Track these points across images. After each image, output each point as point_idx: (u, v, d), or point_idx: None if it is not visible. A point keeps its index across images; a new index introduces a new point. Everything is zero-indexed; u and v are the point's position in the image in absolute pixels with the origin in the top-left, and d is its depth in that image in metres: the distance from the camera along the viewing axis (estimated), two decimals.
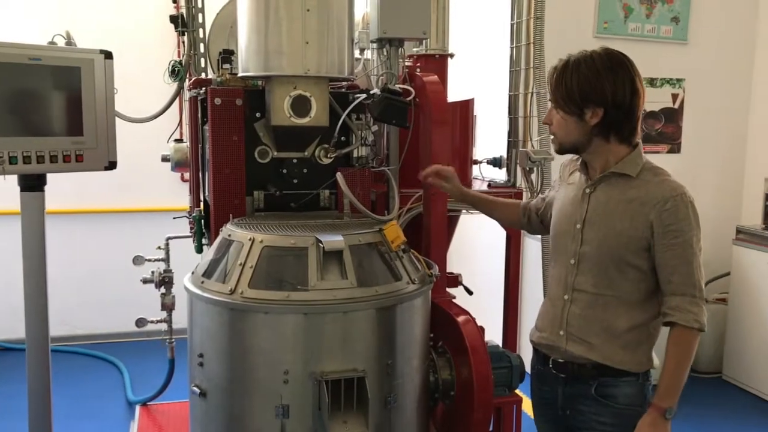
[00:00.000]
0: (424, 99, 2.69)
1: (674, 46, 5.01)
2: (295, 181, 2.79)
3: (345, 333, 2.15)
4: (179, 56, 5.28)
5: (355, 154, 2.84)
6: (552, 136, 2.18)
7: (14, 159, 2.78)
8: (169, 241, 3.83)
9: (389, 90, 2.50)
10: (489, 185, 3.31)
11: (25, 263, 2.98)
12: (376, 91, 2.55)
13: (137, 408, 4.08)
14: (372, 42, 2.86)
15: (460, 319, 2.58)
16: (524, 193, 3.16)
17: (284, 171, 2.77)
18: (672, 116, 5.11)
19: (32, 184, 2.95)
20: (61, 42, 3.05)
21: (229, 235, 2.31)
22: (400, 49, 2.81)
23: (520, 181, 3.22)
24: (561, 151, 2.17)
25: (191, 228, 3.18)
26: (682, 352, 1.99)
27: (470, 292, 3.28)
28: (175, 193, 5.50)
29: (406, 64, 2.93)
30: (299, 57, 2.49)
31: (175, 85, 3.44)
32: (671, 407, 1.99)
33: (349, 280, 2.15)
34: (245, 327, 2.15)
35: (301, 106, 2.56)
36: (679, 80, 5.07)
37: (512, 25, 3.23)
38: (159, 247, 3.81)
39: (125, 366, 4.99)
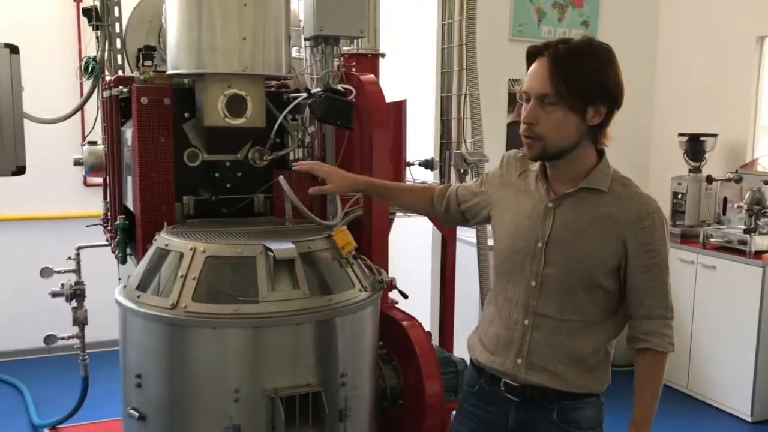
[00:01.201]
0: (363, 99, 2.61)
1: None
2: (229, 185, 2.64)
3: (297, 346, 2.04)
4: (81, 54, 5.03)
5: (291, 157, 2.73)
6: (528, 139, 1.84)
7: None
8: (80, 250, 3.56)
9: (332, 89, 2.41)
10: None
11: None
12: (318, 90, 2.45)
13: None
14: (306, 39, 2.76)
15: (406, 323, 2.52)
16: None
17: (216, 175, 2.62)
18: None
19: None
20: None
21: (166, 245, 2.15)
22: (335, 48, 2.73)
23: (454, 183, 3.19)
24: (543, 156, 1.87)
25: (111, 236, 2.97)
26: (658, 379, 1.87)
27: (405, 296, 3.22)
28: (77, 200, 5.17)
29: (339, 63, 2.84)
30: (236, 54, 2.36)
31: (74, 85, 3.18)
32: None
33: (302, 290, 2.04)
34: (190, 343, 2.00)
35: (236, 105, 2.43)
36: None
37: (443, 25, 3.21)
38: (69, 258, 3.53)
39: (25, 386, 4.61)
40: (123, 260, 2.69)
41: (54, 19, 5.05)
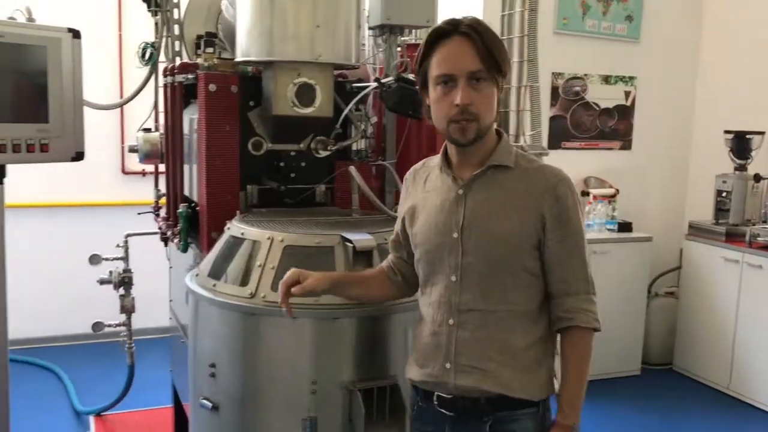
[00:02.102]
0: None
1: (627, 44, 5.10)
2: (293, 175, 2.62)
3: (376, 338, 2.02)
4: (121, 40, 5.02)
5: (354, 147, 2.70)
6: (463, 122, 1.69)
7: None
8: (128, 238, 3.56)
9: (404, 79, 2.37)
10: None
11: None
12: (389, 79, 2.41)
13: (91, 419, 3.78)
14: (370, 29, 2.73)
15: None
16: None
17: (282, 164, 2.60)
18: (624, 113, 5.20)
19: None
20: (21, 18, 2.75)
21: (242, 234, 2.12)
22: (399, 38, 2.70)
23: None
24: (477, 138, 1.72)
25: (167, 224, 2.95)
26: (584, 358, 1.74)
27: None
28: (116, 187, 5.16)
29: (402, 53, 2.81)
30: (308, 42, 2.34)
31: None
32: (577, 423, 1.74)
33: None
34: (268, 333, 1.98)
35: (305, 94, 2.41)
36: (631, 78, 5.17)
37: (503, 16, 3.16)
38: (118, 245, 3.53)
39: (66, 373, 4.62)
40: (185, 249, 2.67)
41: (96, 3, 5.02)
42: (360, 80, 2.71)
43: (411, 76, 2.45)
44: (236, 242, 2.13)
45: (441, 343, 1.77)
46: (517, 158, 1.79)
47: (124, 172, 5.20)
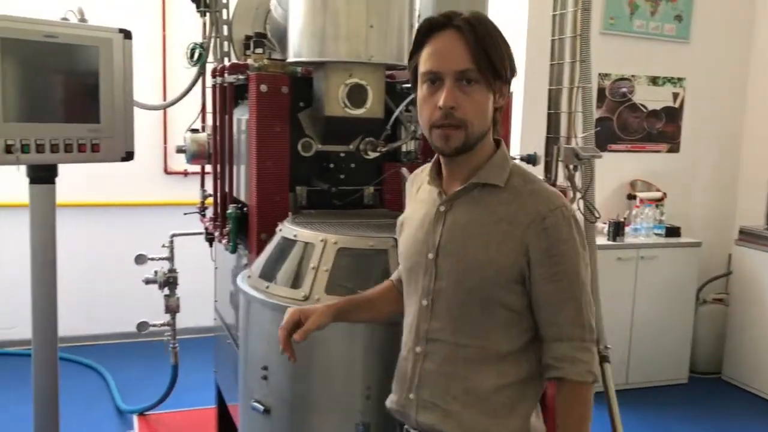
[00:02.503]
0: None
1: (676, 45, 4.98)
2: (342, 176, 2.60)
3: None
4: (165, 41, 5.04)
5: (403, 149, 2.67)
6: (447, 128, 1.51)
7: (26, 148, 2.50)
8: (174, 238, 3.57)
9: None
10: None
11: (34, 265, 2.70)
12: None
13: (134, 418, 3.80)
14: None
15: None
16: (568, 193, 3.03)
17: (331, 165, 2.57)
18: (672, 115, 5.09)
19: (43, 175, 2.67)
20: (73, 19, 2.77)
21: (294, 235, 2.10)
22: None
23: (561, 180, 3.09)
24: (463, 148, 1.53)
25: (215, 225, 2.95)
26: (579, 414, 1.53)
27: None
28: (157, 187, 5.20)
29: None
30: (362, 42, 2.30)
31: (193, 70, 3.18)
32: None
33: None
34: (322, 337, 1.94)
35: (357, 95, 2.38)
36: (680, 79, 5.05)
37: (554, 16, 3.09)
38: (164, 245, 3.54)
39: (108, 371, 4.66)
40: (233, 249, 2.66)
41: (140, 2, 5.06)
42: (409, 81, 2.67)
43: None
44: (289, 244, 2.11)
45: (407, 371, 1.63)
46: (510, 177, 1.57)
47: (167, 172, 5.23)
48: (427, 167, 1.73)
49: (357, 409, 1.93)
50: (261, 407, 2.04)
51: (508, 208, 1.53)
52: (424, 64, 1.53)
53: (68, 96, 2.64)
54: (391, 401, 1.70)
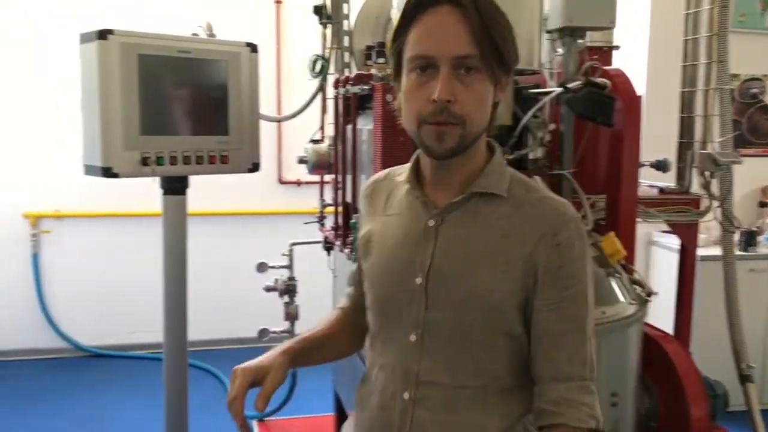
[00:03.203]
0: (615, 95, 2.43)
1: None
2: None
3: None
4: (279, 53, 5.15)
5: (530, 156, 2.59)
6: (443, 125, 1.28)
7: (161, 160, 2.59)
8: (293, 247, 3.63)
9: (593, 83, 2.24)
10: (661, 191, 3.01)
11: (166, 272, 2.79)
12: (576, 84, 2.29)
13: (254, 424, 3.88)
14: (548, 32, 2.61)
15: (663, 340, 2.31)
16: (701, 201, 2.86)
17: None
18: None
19: (176, 186, 2.76)
20: (202, 34, 2.86)
21: None
22: (579, 40, 2.56)
23: (696, 187, 2.92)
24: (459, 149, 1.31)
25: (336, 234, 2.96)
26: None
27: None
28: (272, 196, 5.32)
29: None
30: None
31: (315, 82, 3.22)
32: None
33: None
34: None
35: None
36: None
37: (686, 15, 2.94)
38: (283, 254, 3.61)
39: (225, 376, 4.79)
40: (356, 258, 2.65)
41: (253, 15, 5.18)
42: (537, 86, 2.60)
43: (599, 80, 2.32)
44: None
45: (392, 422, 1.36)
46: (511, 184, 1.37)
47: (281, 181, 5.35)
48: (391, 172, 1.52)
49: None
50: None
51: (511, 221, 1.32)
52: (412, 48, 1.29)
53: (199, 109, 2.71)
54: None
